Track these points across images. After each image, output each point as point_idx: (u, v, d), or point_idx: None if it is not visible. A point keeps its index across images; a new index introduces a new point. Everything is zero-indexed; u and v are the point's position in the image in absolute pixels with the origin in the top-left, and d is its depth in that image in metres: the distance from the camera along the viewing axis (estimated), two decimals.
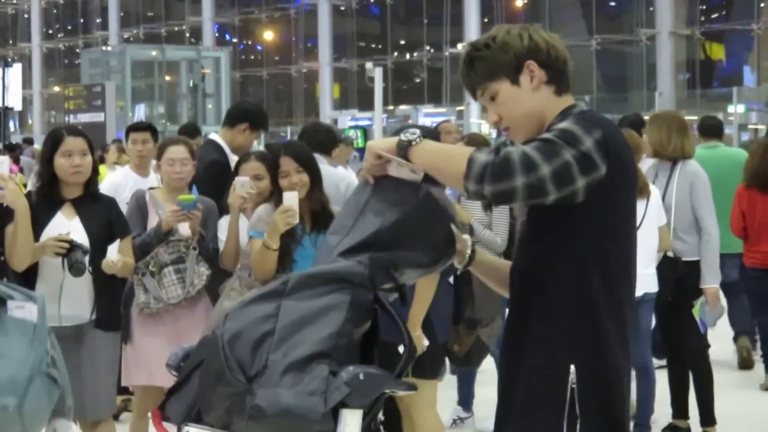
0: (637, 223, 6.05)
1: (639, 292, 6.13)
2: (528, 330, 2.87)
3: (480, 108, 33.27)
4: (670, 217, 6.38)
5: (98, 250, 4.93)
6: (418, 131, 2.83)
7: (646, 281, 6.19)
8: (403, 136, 2.84)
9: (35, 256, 4.86)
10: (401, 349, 2.88)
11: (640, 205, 6.08)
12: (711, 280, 6.34)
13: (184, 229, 5.34)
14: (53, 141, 5.02)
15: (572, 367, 2.81)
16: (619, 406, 2.89)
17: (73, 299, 4.94)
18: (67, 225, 4.94)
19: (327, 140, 7.00)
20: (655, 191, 6.28)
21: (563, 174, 2.71)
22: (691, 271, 6.37)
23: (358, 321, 2.82)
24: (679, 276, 6.37)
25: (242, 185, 5.29)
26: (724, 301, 6.47)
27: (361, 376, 2.69)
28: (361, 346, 2.87)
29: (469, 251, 3.09)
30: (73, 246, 4.82)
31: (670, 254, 6.41)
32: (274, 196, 5.14)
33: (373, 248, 2.87)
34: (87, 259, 4.84)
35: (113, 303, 5.08)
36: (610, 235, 2.86)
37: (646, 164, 7.03)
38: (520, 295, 2.93)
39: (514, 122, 2.92)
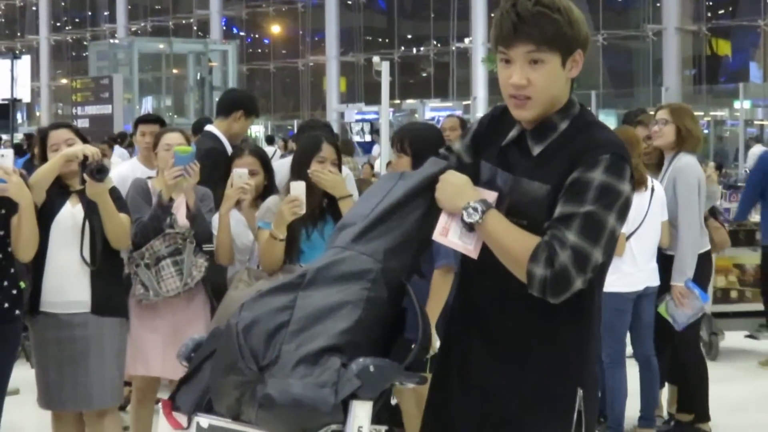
0: (641, 217, 6.08)
1: (640, 286, 6.15)
2: (527, 347, 2.84)
3: (486, 103, 33.26)
4: (664, 209, 6.29)
5: (98, 236, 5.00)
6: (480, 209, 2.75)
7: (649, 275, 6.19)
8: (465, 215, 2.77)
9: (54, 172, 4.97)
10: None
11: (643, 199, 6.09)
12: (676, 278, 6.17)
13: (182, 218, 5.38)
14: (41, 140, 5.21)
15: (580, 391, 2.84)
16: (597, 408, 3.02)
17: (78, 287, 5.00)
18: (72, 213, 5.01)
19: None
20: (658, 186, 6.25)
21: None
22: (670, 266, 6.28)
23: (373, 319, 2.83)
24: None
25: (240, 176, 5.30)
26: (699, 303, 6.22)
27: (372, 369, 2.71)
28: (378, 345, 2.87)
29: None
30: (85, 159, 4.92)
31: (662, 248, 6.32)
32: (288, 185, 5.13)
33: (380, 231, 2.88)
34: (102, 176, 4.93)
35: (110, 289, 5.10)
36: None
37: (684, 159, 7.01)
38: (512, 306, 2.85)
39: (540, 97, 2.80)
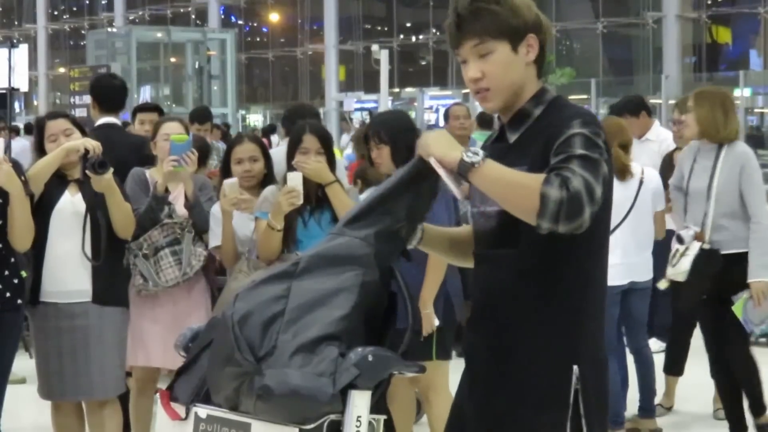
0: (627, 208, 5.90)
1: (624, 280, 5.94)
2: (521, 329, 2.84)
3: None
4: (710, 204, 5.77)
5: (98, 225, 4.99)
6: (481, 153, 2.70)
7: (636, 269, 6.02)
8: (465, 157, 2.69)
9: (54, 165, 4.97)
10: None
11: (629, 190, 5.98)
12: (760, 273, 5.63)
13: (181, 208, 5.37)
14: (38, 130, 5.19)
15: (575, 368, 2.82)
16: (607, 399, 2.95)
17: (79, 277, 4.99)
18: (72, 202, 5.00)
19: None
20: (652, 176, 6.14)
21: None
22: (734, 264, 5.72)
23: (369, 304, 2.84)
24: (718, 271, 5.75)
25: (231, 188, 5.23)
26: None
27: (370, 358, 2.70)
28: (374, 329, 2.88)
29: (419, 229, 3.04)
30: (86, 152, 4.92)
31: (707, 246, 5.77)
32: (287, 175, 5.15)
33: (370, 217, 2.89)
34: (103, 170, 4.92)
35: (111, 278, 5.10)
36: (600, 224, 2.86)
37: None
38: (507, 291, 2.86)
39: (498, 86, 2.87)
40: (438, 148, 2.77)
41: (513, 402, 2.85)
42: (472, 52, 2.87)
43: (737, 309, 5.74)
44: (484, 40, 2.85)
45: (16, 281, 4.87)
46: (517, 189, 2.67)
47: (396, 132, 5.11)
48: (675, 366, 6.79)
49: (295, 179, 4.90)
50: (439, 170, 2.76)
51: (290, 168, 5.02)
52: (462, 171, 2.71)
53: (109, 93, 6.56)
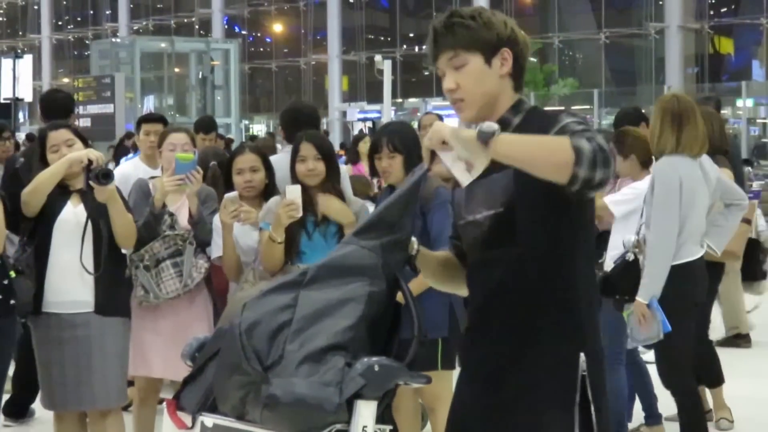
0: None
1: None
2: (524, 322, 2.88)
3: None
4: (643, 217, 5.58)
5: (100, 236, 5.00)
6: (495, 125, 2.74)
7: None
8: (483, 127, 2.71)
9: (57, 177, 4.95)
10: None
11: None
12: (641, 293, 5.35)
13: (184, 220, 5.38)
14: (41, 141, 5.17)
15: (582, 356, 2.86)
16: (604, 391, 2.98)
17: (82, 287, 4.99)
18: (75, 212, 5.01)
19: (310, 121, 6.67)
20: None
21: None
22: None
23: (375, 314, 2.85)
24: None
25: (233, 201, 5.24)
26: (656, 332, 5.36)
27: (376, 368, 2.72)
28: (380, 339, 2.89)
29: (416, 246, 3.07)
30: (90, 163, 4.92)
31: (629, 257, 5.58)
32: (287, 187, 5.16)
33: (379, 228, 2.93)
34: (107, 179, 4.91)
35: (113, 288, 5.09)
36: (588, 225, 2.99)
37: None
38: (507, 287, 2.91)
39: (471, 97, 2.96)
40: (450, 130, 2.80)
41: (523, 394, 2.88)
42: (448, 65, 2.99)
43: (626, 316, 5.52)
44: (458, 52, 2.96)
45: (5, 282, 4.86)
46: (548, 146, 2.73)
47: (410, 141, 5.08)
48: (714, 378, 6.61)
49: (293, 192, 4.91)
50: (446, 158, 2.80)
51: (293, 178, 5.04)
52: (485, 139, 2.70)
53: (52, 104, 6.95)
